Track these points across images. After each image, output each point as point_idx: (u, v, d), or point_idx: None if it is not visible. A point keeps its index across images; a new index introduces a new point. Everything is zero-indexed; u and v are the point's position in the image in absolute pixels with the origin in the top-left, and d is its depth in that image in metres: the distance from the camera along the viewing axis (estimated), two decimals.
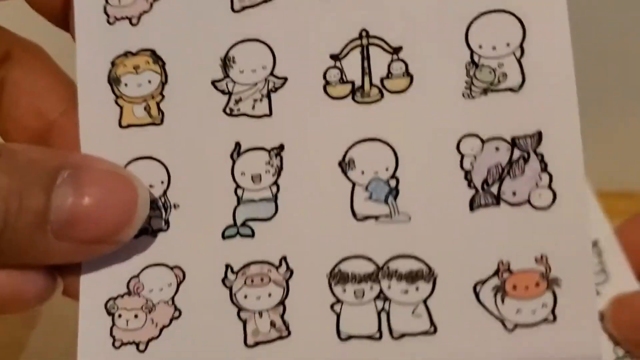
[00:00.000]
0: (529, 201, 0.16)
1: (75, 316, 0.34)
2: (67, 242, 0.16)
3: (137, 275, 0.18)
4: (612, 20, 0.34)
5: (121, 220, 0.17)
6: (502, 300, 0.16)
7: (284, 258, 0.17)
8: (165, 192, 0.18)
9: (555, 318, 0.16)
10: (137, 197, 0.17)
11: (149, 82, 0.19)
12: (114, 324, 0.17)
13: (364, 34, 0.17)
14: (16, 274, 0.17)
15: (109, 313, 0.18)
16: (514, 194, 0.16)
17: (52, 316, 0.36)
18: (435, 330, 0.16)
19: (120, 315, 0.18)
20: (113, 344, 0.18)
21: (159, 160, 0.18)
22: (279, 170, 0.17)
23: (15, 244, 0.16)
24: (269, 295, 0.17)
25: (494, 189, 0.16)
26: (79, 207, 0.16)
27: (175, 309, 0.17)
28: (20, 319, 0.37)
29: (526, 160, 0.16)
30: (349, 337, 0.17)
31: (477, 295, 0.16)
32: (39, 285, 0.17)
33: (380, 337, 0.17)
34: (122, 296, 0.18)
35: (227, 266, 0.17)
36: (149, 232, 0.18)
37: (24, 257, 0.16)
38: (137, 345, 0.18)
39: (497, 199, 0.16)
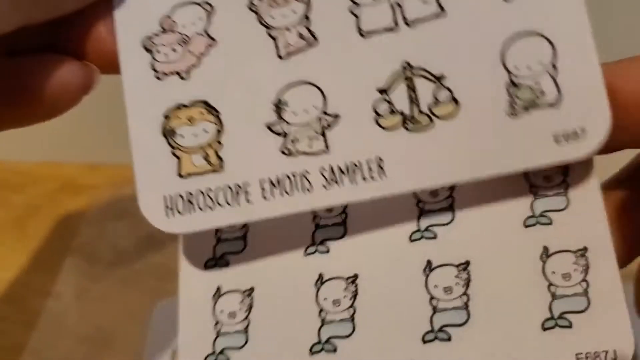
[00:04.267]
0: None
1: (75, 319, 0.34)
2: None
3: (169, 15, 0.19)
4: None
5: None
6: None
7: None
8: None
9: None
10: None
11: (205, 131, 0.19)
12: (154, 58, 0.19)
13: (407, 66, 0.19)
14: (56, 67, 0.19)
15: (147, 50, 0.19)
16: None
17: (52, 318, 0.37)
18: (444, 11, 0.18)
19: (158, 51, 0.19)
20: (156, 76, 0.19)
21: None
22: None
23: None
24: (294, 11, 0.19)
25: None
26: None
27: (210, 37, 0.19)
28: (20, 321, 0.37)
29: None
30: (370, 33, 0.19)
31: None
32: (78, 74, 0.19)
33: (397, 27, 0.19)
34: (157, 34, 0.19)
35: None
36: None
37: None
38: (179, 74, 0.19)
39: None
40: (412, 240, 0.19)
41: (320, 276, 0.19)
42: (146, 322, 0.37)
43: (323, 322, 0.18)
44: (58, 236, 0.40)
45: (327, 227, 0.20)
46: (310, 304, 0.19)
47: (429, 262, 0.19)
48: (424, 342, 0.18)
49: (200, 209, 0.19)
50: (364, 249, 0.19)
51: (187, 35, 0.19)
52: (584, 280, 0.17)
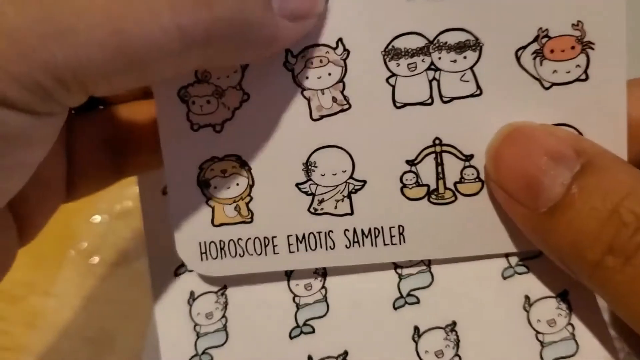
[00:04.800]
0: None
1: (75, 319, 0.34)
2: (287, 19, 0.17)
3: None
4: None
5: None
6: (541, 63, 0.18)
7: (340, 39, 0.19)
8: None
9: (587, 77, 0.18)
10: None
11: (237, 184, 0.20)
12: (189, 109, 0.19)
13: (437, 142, 0.19)
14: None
15: (183, 100, 0.19)
16: None
17: (52, 318, 0.37)
18: (481, 92, 0.19)
19: (193, 102, 0.19)
20: (191, 128, 0.19)
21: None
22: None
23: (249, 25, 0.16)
24: (329, 74, 0.19)
25: None
26: None
27: (244, 92, 0.19)
28: (20, 321, 0.37)
29: None
30: (404, 105, 0.19)
31: (518, 59, 0.18)
32: None
33: (432, 102, 0.19)
34: (192, 84, 0.19)
35: (287, 51, 0.19)
36: None
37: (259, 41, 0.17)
38: (214, 126, 0.19)
39: None
40: (396, 308, 0.20)
41: (310, 358, 0.20)
42: (146, 322, 0.37)
43: None
44: (58, 236, 0.39)
45: (308, 306, 0.20)
46: None
47: (416, 328, 0.19)
48: None
49: (232, 255, 0.20)
50: (349, 324, 0.20)
51: (221, 88, 0.20)
52: (569, 323, 0.19)
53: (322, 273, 0.20)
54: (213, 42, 0.16)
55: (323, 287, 0.20)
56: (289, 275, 0.20)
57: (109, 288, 0.38)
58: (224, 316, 0.20)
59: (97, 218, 0.41)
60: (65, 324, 0.37)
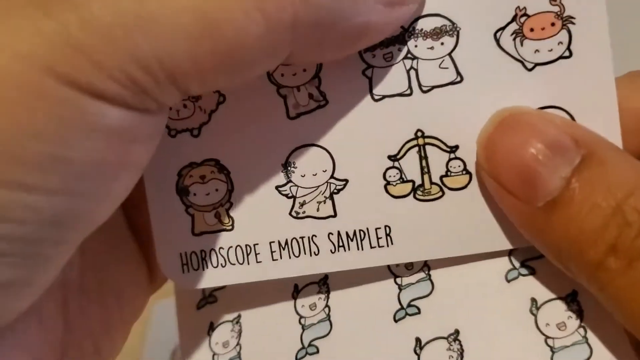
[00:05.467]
0: None
1: None
2: (382, 5, 0.16)
3: None
4: None
5: None
6: (521, 43, 0.18)
7: None
8: None
9: (571, 54, 0.17)
10: None
11: (216, 190, 0.19)
12: None
13: (419, 134, 0.18)
14: None
15: None
16: None
17: None
18: (461, 79, 0.18)
19: (170, 108, 0.18)
20: (169, 134, 0.19)
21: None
22: None
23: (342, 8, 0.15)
24: (304, 70, 0.18)
25: None
26: None
27: (220, 94, 0.19)
28: None
29: None
30: (382, 97, 0.18)
31: (497, 41, 0.18)
32: None
33: (411, 92, 0.18)
34: None
35: None
36: None
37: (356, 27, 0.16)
38: (191, 131, 0.19)
39: None
40: (396, 321, 0.19)
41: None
42: (146, 322, 0.37)
43: None
44: None
45: (313, 326, 0.20)
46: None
47: (418, 340, 0.19)
48: None
49: (214, 266, 0.19)
50: (351, 341, 0.19)
51: None
52: (581, 326, 0.17)
53: (326, 291, 0.20)
54: (299, 29, 0.15)
55: (327, 305, 0.19)
56: (295, 297, 0.20)
57: None
58: (238, 344, 0.20)
59: None
60: None
